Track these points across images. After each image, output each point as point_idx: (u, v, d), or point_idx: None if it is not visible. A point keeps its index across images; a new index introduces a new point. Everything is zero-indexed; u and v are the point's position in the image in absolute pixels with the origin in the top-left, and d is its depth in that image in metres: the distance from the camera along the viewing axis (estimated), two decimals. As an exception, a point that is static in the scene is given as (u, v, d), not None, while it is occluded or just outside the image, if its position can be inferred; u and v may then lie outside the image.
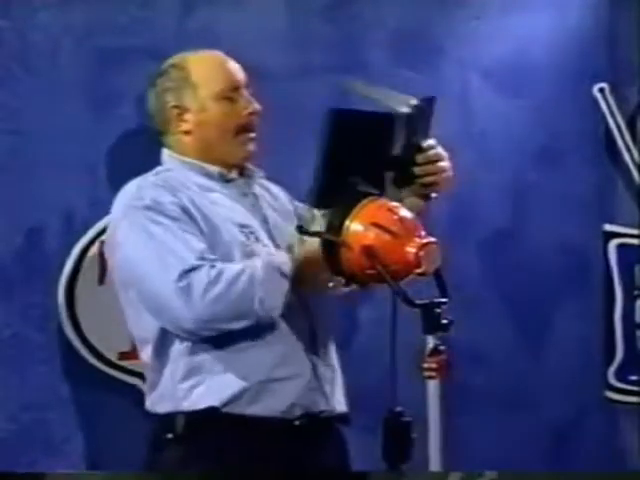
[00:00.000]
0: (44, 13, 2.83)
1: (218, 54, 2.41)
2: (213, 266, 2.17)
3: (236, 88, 2.35)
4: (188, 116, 2.33)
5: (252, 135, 2.36)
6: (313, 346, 2.31)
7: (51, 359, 2.85)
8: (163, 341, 2.27)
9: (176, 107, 2.33)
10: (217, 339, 2.22)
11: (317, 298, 2.34)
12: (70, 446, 2.86)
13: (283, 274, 2.18)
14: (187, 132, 2.33)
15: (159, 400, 2.30)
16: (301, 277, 2.22)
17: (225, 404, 2.23)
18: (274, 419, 2.24)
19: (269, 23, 3.00)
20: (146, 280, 2.21)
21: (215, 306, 2.16)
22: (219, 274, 2.16)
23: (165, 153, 2.39)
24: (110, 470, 2.79)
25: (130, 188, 2.31)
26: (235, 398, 2.23)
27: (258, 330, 2.22)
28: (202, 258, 2.17)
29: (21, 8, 2.82)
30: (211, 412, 2.23)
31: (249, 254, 2.25)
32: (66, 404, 2.85)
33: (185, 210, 2.23)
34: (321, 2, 3.09)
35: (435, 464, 2.09)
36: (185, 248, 2.18)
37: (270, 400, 2.25)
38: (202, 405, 2.24)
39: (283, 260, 2.21)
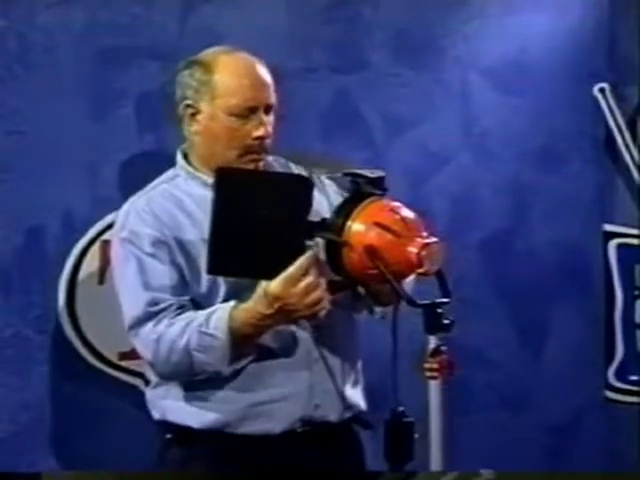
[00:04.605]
0: (44, 13, 2.83)
1: (252, 63, 2.27)
2: (158, 323, 2.16)
3: (253, 108, 2.23)
4: (200, 118, 2.27)
5: (257, 157, 2.27)
6: (314, 362, 2.25)
7: (51, 359, 2.85)
8: None
9: (191, 106, 2.27)
10: None
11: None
12: (70, 446, 2.86)
13: (216, 338, 2.10)
14: (197, 133, 2.29)
15: (151, 407, 2.32)
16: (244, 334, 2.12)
17: (209, 427, 2.22)
18: (271, 434, 2.22)
19: (269, 23, 3.00)
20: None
21: (166, 367, 2.17)
22: (160, 337, 2.15)
23: (178, 154, 2.35)
24: (110, 470, 2.78)
25: (132, 204, 2.29)
26: (219, 423, 2.21)
27: None
28: (154, 304, 2.17)
29: (21, 8, 2.82)
30: (198, 430, 2.23)
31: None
32: (66, 404, 2.85)
33: (162, 243, 2.22)
34: (321, 2, 3.09)
35: (436, 464, 2.09)
36: (140, 297, 2.18)
37: (259, 422, 2.21)
38: (188, 423, 2.24)
39: (220, 319, 2.11)
